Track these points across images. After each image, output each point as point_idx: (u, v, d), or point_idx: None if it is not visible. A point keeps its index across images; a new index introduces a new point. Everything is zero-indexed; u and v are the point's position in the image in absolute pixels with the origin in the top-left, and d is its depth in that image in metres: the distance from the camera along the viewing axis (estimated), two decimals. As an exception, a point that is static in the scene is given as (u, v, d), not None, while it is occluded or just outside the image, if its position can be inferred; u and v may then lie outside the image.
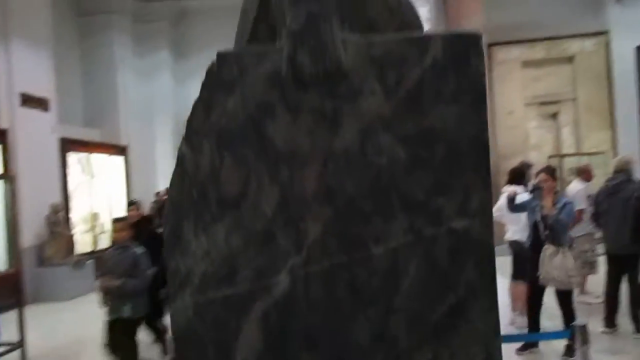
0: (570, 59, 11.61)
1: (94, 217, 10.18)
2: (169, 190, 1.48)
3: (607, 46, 11.83)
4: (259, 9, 1.51)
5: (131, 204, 8.42)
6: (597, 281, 6.67)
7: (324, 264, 1.37)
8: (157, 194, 12.51)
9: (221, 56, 1.43)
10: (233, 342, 1.42)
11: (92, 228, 10.07)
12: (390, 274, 1.35)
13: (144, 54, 13.47)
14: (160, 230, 4.89)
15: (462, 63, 1.33)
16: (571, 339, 3.64)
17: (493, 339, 1.35)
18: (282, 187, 1.38)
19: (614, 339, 5.63)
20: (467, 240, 1.33)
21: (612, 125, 11.92)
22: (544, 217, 4.24)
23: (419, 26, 1.56)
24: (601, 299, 6.38)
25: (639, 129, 11.14)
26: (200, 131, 1.43)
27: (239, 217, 1.41)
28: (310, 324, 1.38)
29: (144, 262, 3.80)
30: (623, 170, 6.38)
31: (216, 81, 1.42)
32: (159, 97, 15.20)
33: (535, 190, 4.35)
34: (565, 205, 5.88)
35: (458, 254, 1.33)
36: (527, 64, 11.50)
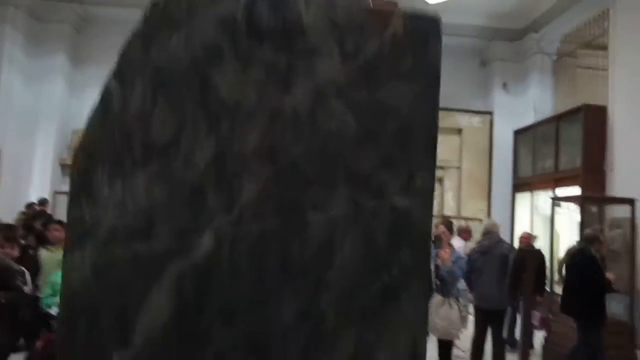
0: (459, 131, 12.63)
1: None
2: (85, 129, 1.28)
3: (491, 125, 13.09)
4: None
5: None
6: (466, 336, 7.10)
7: (254, 227, 1.24)
8: (29, 205, 11.33)
9: (171, -10, 1.30)
10: (136, 309, 1.22)
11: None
12: (324, 246, 1.26)
13: (37, 55, 12.52)
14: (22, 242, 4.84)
15: (420, 43, 1.33)
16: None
17: (422, 328, 1.29)
18: (220, 139, 1.26)
19: None
20: (406, 220, 1.28)
21: (489, 196, 13.02)
22: (436, 267, 4.41)
23: None
24: (468, 352, 6.84)
25: (511, 203, 12.28)
26: (134, 66, 1.27)
27: (166, 167, 1.25)
28: (231, 294, 1.24)
29: None
30: (491, 232, 7.07)
31: (160, 16, 1.29)
32: (48, 103, 14.13)
33: (437, 241, 4.53)
34: (458, 259, 6.28)
35: (396, 233, 1.28)
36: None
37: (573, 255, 7.09)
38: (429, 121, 1.32)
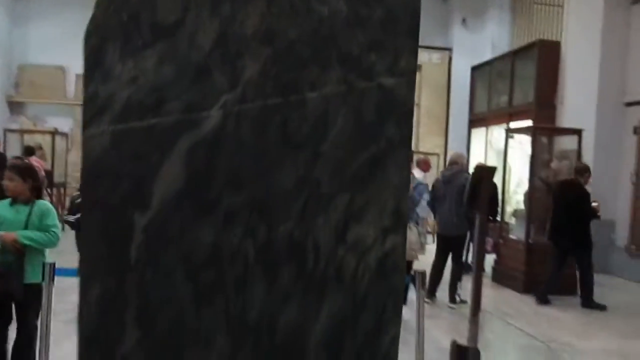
0: (418, 67, 12.82)
1: None
2: (95, 8, 1.36)
3: (450, 61, 13.30)
4: None
5: None
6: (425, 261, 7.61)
7: (257, 103, 1.37)
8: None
9: None
10: (152, 176, 1.35)
11: None
12: (320, 121, 1.40)
13: (-28, -12, 11.77)
14: None
15: None
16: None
17: (403, 192, 1.48)
18: (223, 22, 1.36)
19: (432, 308, 6.59)
20: (392, 97, 1.44)
21: (446, 131, 13.42)
22: None
23: None
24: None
25: (467, 138, 12.72)
26: (140, -50, 1.34)
27: (173, 46, 1.35)
28: (237, 164, 1.38)
29: None
30: (456, 163, 7.54)
31: None
32: (-10, 37, 13.39)
33: None
34: (417, 185, 6.67)
35: (383, 109, 1.44)
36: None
37: (563, 186, 7.63)
38: (413, 8, 1.46)
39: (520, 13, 12.64)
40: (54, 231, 3.67)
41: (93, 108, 1.34)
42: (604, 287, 8.33)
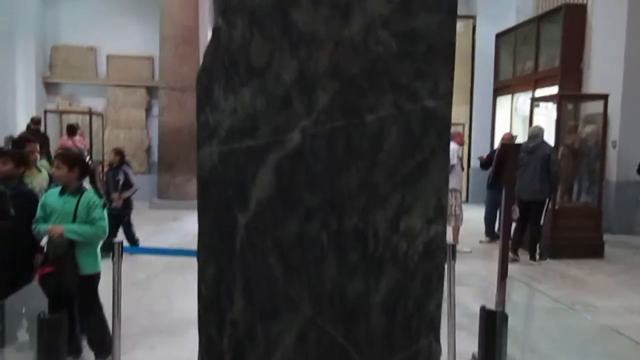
0: (443, 36, 12.90)
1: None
2: (204, 58, 1.76)
3: (474, 29, 13.31)
4: None
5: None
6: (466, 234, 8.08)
7: (328, 126, 1.76)
8: (33, 120, 11.48)
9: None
10: (250, 184, 1.77)
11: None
12: (377, 136, 1.79)
13: (6, -31, 12.18)
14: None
15: (442, -17, 1.79)
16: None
17: (443, 190, 1.87)
18: (300, 62, 1.74)
19: (461, 277, 7.10)
20: (434, 116, 1.81)
21: (471, 100, 13.55)
22: None
23: None
24: (470, 250, 8.02)
25: (492, 107, 12.83)
26: (235, 9, 1.72)
27: (263, 83, 1.74)
28: (313, 172, 1.78)
29: None
30: (538, 135, 8.07)
31: (252, -30, 1.72)
32: (24, 20, 13.87)
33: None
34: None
35: (426, 126, 1.81)
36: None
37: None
38: (449, 42, 1.81)
39: (546, -24, 12.49)
40: (100, 224, 3.75)
41: (204, 133, 1.75)
42: (630, 247, 8.58)
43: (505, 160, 4.27)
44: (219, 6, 1.77)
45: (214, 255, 1.81)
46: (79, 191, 3.81)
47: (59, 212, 3.75)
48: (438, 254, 1.86)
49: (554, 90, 10.39)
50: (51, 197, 3.85)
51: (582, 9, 10.66)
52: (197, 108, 1.76)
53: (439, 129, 1.83)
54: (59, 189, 3.87)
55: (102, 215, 3.80)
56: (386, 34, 1.76)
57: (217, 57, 1.73)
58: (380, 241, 1.82)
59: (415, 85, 1.80)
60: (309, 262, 1.81)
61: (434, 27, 1.78)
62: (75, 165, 3.81)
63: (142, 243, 7.58)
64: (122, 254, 3.68)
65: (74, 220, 3.74)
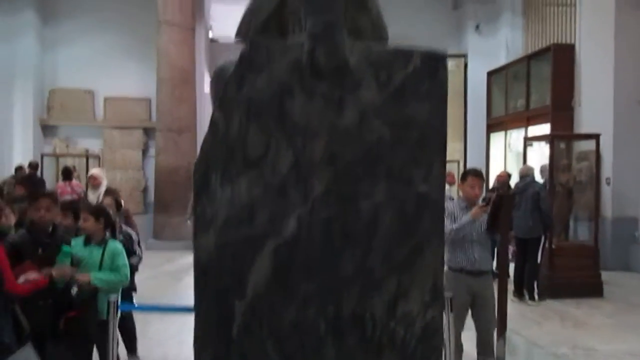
0: (435, 75, 13.11)
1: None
2: (201, 147, 1.79)
3: (465, 67, 13.54)
4: (275, 9, 1.89)
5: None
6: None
7: (323, 213, 1.79)
8: (19, 168, 11.52)
9: (254, 44, 1.78)
10: (247, 271, 1.79)
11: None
12: (371, 222, 1.82)
13: (5, 13, 12.43)
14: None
15: (433, 72, 1.85)
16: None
17: (439, 271, 1.89)
18: (296, 152, 1.78)
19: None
20: (427, 200, 1.85)
21: (465, 137, 13.68)
22: None
23: (387, 38, 2.06)
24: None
25: (486, 143, 12.93)
26: (232, 102, 1.77)
27: (259, 173, 1.78)
28: (310, 259, 1.80)
29: None
30: (527, 175, 8.27)
31: (248, 63, 1.77)
32: (22, 63, 14.00)
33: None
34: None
35: (420, 209, 1.84)
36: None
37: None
38: (441, 128, 1.86)
39: (533, 16, 12.81)
40: (124, 271, 3.88)
41: (201, 223, 1.78)
42: (625, 286, 8.53)
43: (500, 211, 4.31)
44: (216, 96, 1.82)
45: (211, 342, 1.81)
46: (104, 241, 3.96)
47: (85, 262, 3.90)
48: (436, 337, 1.87)
49: (546, 127, 10.51)
50: (77, 248, 3.94)
51: (570, 49, 10.88)
52: (194, 198, 1.79)
53: (432, 211, 1.86)
54: (81, 239, 3.97)
55: (125, 262, 3.92)
56: (379, 123, 1.81)
57: (215, 147, 1.77)
58: (378, 326, 1.83)
59: (408, 170, 1.84)
60: (306, 348, 1.81)
61: (425, 115, 1.83)
62: (100, 216, 3.95)
63: (138, 289, 7.51)
64: (117, 312, 3.71)
65: (99, 269, 3.86)
